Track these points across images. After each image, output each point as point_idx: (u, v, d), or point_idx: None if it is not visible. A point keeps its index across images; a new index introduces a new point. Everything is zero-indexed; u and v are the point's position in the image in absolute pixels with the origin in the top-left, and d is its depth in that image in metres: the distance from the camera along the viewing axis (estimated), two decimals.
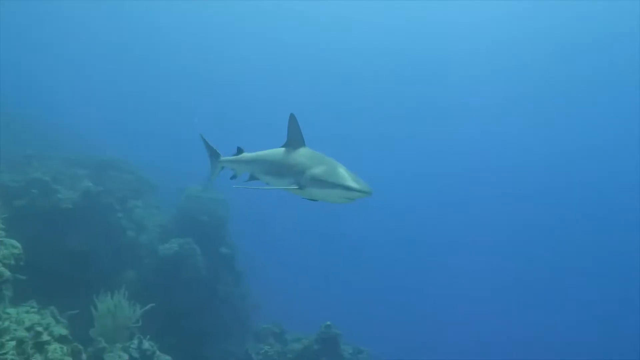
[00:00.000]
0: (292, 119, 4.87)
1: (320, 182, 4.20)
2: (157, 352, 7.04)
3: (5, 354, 4.79)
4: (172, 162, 20.18)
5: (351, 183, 4.05)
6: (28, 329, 5.32)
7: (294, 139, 4.86)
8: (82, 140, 16.80)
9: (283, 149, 4.94)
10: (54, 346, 5.31)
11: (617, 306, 22.37)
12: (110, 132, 22.28)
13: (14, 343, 4.94)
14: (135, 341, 6.86)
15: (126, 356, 6.58)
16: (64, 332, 5.82)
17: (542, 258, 25.20)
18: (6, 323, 5.27)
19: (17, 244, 6.22)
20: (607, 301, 22.82)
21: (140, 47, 33.76)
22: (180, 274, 10.66)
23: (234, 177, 5.72)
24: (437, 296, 21.05)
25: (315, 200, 4.46)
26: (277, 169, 4.79)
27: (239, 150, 5.67)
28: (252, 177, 5.34)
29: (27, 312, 5.80)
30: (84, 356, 6.00)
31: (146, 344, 6.87)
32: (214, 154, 6.03)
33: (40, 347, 5.17)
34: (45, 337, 5.32)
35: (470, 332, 18.96)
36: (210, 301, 11.08)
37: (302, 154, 4.66)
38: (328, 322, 10.26)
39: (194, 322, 10.52)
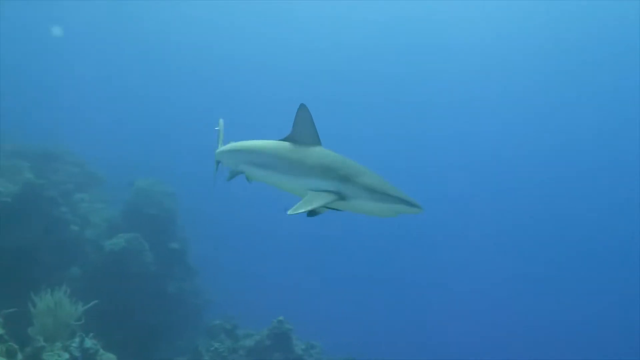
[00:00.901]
0: (303, 110, 4.17)
1: (379, 195, 3.63)
2: (101, 351, 6.77)
3: None
4: (122, 155, 19.56)
5: (412, 199, 3.67)
6: None
7: (305, 135, 4.17)
8: (25, 129, 15.99)
9: (289, 144, 4.22)
10: None
11: (620, 302, 22.34)
12: (58, 122, 21.36)
13: None
14: (77, 339, 6.57)
15: (66, 355, 6.30)
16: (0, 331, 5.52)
17: (537, 254, 25.07)
18: None
19: None
20: (611, 297, 22.72)
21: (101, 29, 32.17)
22: (128, 270, 10.34)
23: (221, 172, 5.01)
24: (398, 289, 21.13)
25: (339, 210, 3.87)
26: (290, 166, 4.05)
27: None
28: (237, 172, 4.58)
29: None
30: (19, 356, 5.72)
31: (88, 342, 6.60)
32: (217, 146, 5.40)
33: None
34: None
35: (432, 327, 19.16)
36: (159, 298, 10.80)
37: (329, 156, 4.01)
38: (280, 317, 10.20)
39: (142, 319, 10.23)
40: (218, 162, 5.21)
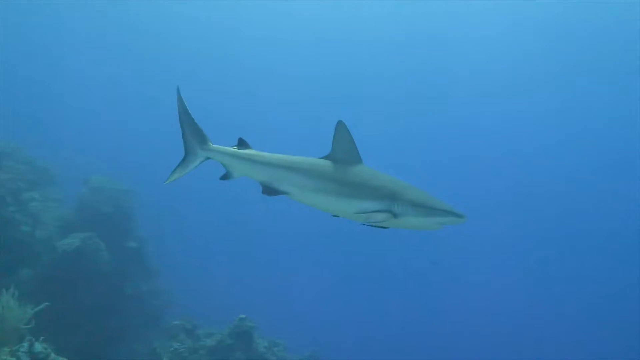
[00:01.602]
0: (342, 127, 4.05)
1: (427, 209, 3.71)
2: (52, 355, 6.44)
3: None
4: (76, 152, 18.92)
5: (457, 210, 3.77)
6: None
7: (347, 153, 4.07)
8: None
9: (330, 162, 4.09)
10: None
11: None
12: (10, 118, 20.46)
13: None
14: (26, 344, 6.24)
15: None
16: None
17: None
18: None
19: None
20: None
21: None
22: (83, 270, 9.96)
23: (225, 177, 4.39)
24: (365, 285, 21.09)
25: (384, 228, 3.88)
26: (340, 188, 3.92)
27: (242, 143, 4.39)
28: (268, 187, 4.16)
29: None
30: None
31: (38, 347, 6.27)
32: (195, 136, 4.41)
33: None
34: None
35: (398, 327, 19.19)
36: (116, 299, 10.47)
37: (373, 174, 4.00)
38: (242, 315, 10.04)
39: (98, 321, 9.88)
40: (207, 159, 4.44)
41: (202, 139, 4.40)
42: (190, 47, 32.46)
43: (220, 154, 4.36)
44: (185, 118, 4.42)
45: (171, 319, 11.65)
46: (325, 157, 4.17)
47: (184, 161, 4.44)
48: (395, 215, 3.73)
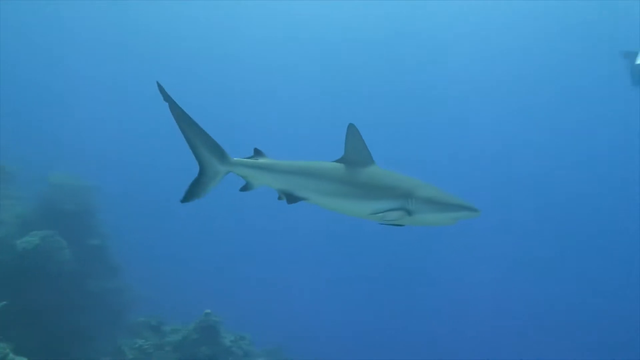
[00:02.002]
0: (353, 130, 4.16)
1: (442, 206, 3.82)
2: (11, 355, 6.41)
3: None
4: (34, 148, 18.47)
5: (471, 204, 3.87)
6: None
7: (359, 155, 4.17)
8: None
9: (344, 165, 4.17)
10: None
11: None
12: None
13: None
14: None
15: None
16: None
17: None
18: None
19: None
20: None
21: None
22: (44, 269, 9.79)
23: (246, 188, 4.27)
24: (332, 279, 21.05)
25: (400, 226, 3.96)
26: (354, 190, 3.99)
27: (258, 153, 4.30)
28: (287, 194, 4.14)
29: None
30: None
31: None
32: (211, 150, 4.09)
33: None
34: None
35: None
36: (79, 297, 10.31)
37: (386, 174, 4.10)
38: (208, 310, 10.05)
39: (61, 319, 9.74)
40: (227, 173, 4.18)
41: (220, 153, 4.12)
42: (190, 47, 32.03)
43: (242, 167, 4.20)
44: (193, 131, 4.05)
45: (136, 316, 11.59)
46: (339, 160, 4.25)
47: (201, 179, 4.11)
48: (409, 213, 3.82)
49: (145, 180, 24.08)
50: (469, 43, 30.48)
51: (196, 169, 4.13)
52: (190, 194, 4.06)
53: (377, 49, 31.69)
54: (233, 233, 22.07)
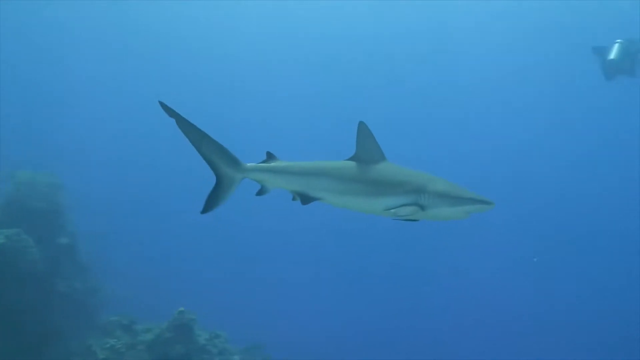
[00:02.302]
0: (363, 128, 4.20)
1: (455, 199, 3.83)
2: None
3: None
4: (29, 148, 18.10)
5: (484, 197, 3.88)
6: None
7: (370, 152, 4.22)
8: None
9: (355, 163, 4.21)
10: None
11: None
12: None
13: None
14: None
15: None
16: None
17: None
18: None
19: None
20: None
21: None
22: (10, 269, 9.49)
23: (261, 192, 4.33)
24: (308, 274, 20.90)
25: (414, 221, 3.99)
26: (366, 188, 4.03)
27: (270, 157, 4.34)
28: (301, 195, 4.17)
29: None
30: None
31: None
32: (224, 159, 4.16)
33: None
34: None
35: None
36: (48, 298, 10.06)
37: (398, 170, 4.15)
38: (181, 308, 9.88)
39: (30, 321, 9.49)
40: (242, 179, 4.23)
41: (234, 161, 4.18)
42: (190, 47, 31.41)
43: (256, 172, 4.25)
44: (204, 142, 4.09)
45: (108, 316, 11.35)
46: (350, 159, 4.28)
47: (218, 188, 4.17)
48: (423, 208, 3.83)
49: (123, 179, 23.76)
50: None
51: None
52: (210, 204, 4.13)
53: (384, 46, 31.39)
54: (212, 230, 21.88)
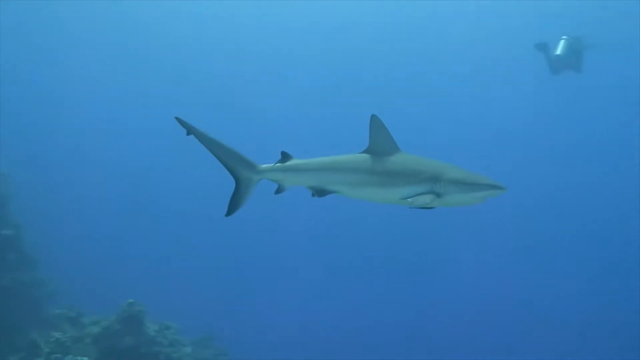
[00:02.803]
0: (376, 121, 4.30)
1: (470, 186, 3.94)
2: None
3: None
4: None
5: (496, 182, 4.00)
6: None
7: (384, 144, 4.31)
8: None
9: (369, 155, 4.32)
10: None
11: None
12: None
13: None
14: None
15: None
16: None
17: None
18: None
19: None
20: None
21: None
22: None
23: (279, 190, 4.50)
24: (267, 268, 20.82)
25: (430, 208, 4.07)
26: (381, 179, 4.14)
27: (285, 156, 4.49)
28: (318, 190, 4.33)
29: None
30: None
31: None
32: (241, 163, 4.43)
33: None
34: None
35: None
36: None
37: (412, 160, 4.24)
38: (131, 300, 9.70)
39: None
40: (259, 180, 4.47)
41: (249, 164, 4.44)
42: (190, 47, 30.57)
43: (272, 172, 4.45)
44: (221, 150, 4.39)
45: (54, 309, 11.07)
46: (364, 152, 4.38)
47: (238, 191, 4.44)
48: (438, 195, 3.93)
49: (71, 172, 23.16)
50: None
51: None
52: (232, 206, 4.42)
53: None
54: (166, 223, 21.59)
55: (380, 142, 4.34)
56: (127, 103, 28.62)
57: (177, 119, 4.25)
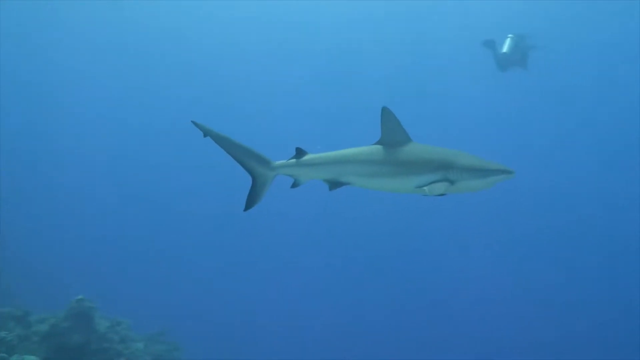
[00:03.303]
0: (387, 113, 4.44)
1: (482, 171, 4.10)
2: None
3: None
4: None
5: (506, 167, 4.16)
6: None
7: (396, 135, 4.45)
8: None
9: (382, 146, 4.48)
10: None
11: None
12: None
13: None
14: None
15: None
16: None
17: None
18: None
19: None
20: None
21: None
22: None
23: (295, 185, 4.72)
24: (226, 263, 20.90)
25: (443, 195, 4.20)
26: (395, 169, 4.30)
27: (300, 152, 4.72)
28: (333, 183, 4.54)
29: None
30: None
31: None
32: (256, 160, 4.71)
33: None
34: None
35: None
36: None
37: (424, 149, 4.39)
38: (80, 296, 9.56)
39: None
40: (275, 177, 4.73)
41: (264, 161, 4.72)
42: (190, 47, 30.08)
43: (286, 168, 4.71)
44: (237, 150, 4.67)
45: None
46: (377, 143, 4.56)
47: (255, 188, 4.72)
48: (452, 183, 4.11)
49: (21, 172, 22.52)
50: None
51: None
52: (250, 202, 4.69)
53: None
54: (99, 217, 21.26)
55: (392, 133, 4.50)
56: (127, 103, 28.53)
57: (194, 122, 4.52)
